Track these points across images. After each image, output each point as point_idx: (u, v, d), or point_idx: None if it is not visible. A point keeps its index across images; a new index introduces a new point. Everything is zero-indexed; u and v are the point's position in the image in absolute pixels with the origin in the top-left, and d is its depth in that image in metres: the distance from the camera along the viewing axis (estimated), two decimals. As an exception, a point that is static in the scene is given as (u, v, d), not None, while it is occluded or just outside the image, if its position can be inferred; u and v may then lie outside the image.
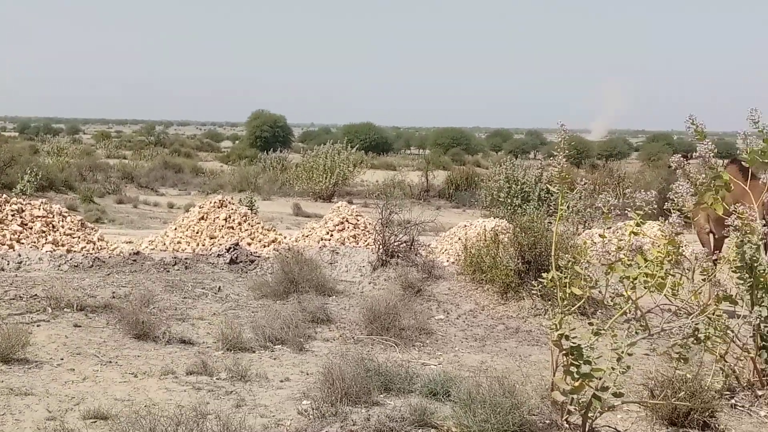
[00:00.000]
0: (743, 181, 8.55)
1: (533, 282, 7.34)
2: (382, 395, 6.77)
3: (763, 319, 7.12)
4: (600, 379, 5.79)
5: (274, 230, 16.04)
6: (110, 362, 7.67)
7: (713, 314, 6.39)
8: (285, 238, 15.62)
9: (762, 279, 7.19)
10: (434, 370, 7.53)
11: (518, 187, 21.89)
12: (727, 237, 9.88)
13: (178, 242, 14.90)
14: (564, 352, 5.80)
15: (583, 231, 17.25)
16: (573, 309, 6.06)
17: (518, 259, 10.66)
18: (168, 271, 11.83)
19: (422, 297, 10.79)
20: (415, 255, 12.19)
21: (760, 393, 7.23)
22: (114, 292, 10.29)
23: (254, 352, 8.20)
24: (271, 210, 26.05)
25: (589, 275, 6.10)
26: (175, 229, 15.38)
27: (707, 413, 6.47)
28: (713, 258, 7.63)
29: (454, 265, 12.34)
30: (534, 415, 6.13)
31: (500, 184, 22.35)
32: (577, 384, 5.79)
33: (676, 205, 6.42)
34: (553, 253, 6.22)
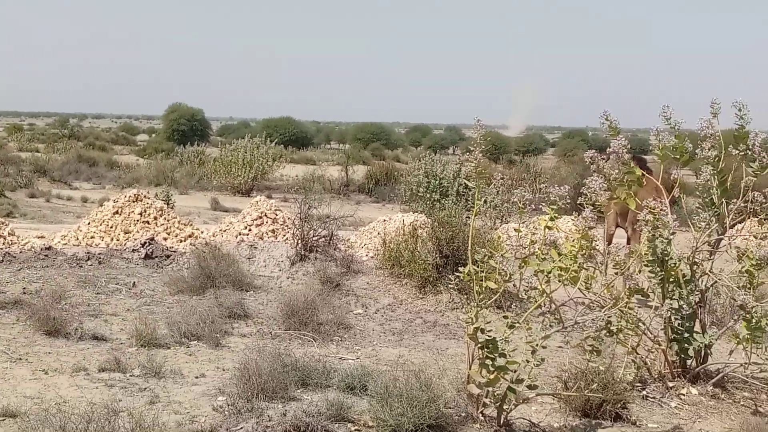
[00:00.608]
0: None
1: (450, 276, 7.37)
2: (299, 390, 6.73)
3: (673, 311, 7.29)
4: (515, 371, 5.86)
5: (191, 225, 15.81)
6: (20, 359, 7.48)
7: (625, 307, 6.52)
8: (202, 232, 15.42)
9: (673, 272, 7.36)
10: (352, 365, 7.52)
11: (437, 182, 21.99)
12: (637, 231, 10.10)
13: (92, 237, 14.59)
14: (480, 345, 5.85)
15: (501, 225, 17.43)
16: (489, 302, 6.11)
17: (436, 254, 10.72)
18: (81, 267, 11.57)
19: (341, 291, 10.77)
20: (334, 250, 12.17)
21: (670, 384, 7.41)
22: (25, 288, 10.03)
23: (169, 348, 8.08)
24: (188, 204, 25.69)
25: (504, 269, 6.17)
26: (89, 223, 15.04)
27: (619, 404, 6.60)
28: (626, 252, 7.76)
29: (373, 260, 12.36)
30: (450, 408, 6.17)
31: (419, 179, 22.42)
32: (492, 377, 5.84)
33: (590, 200, 6.52)
34: (469, 248, 6.26)
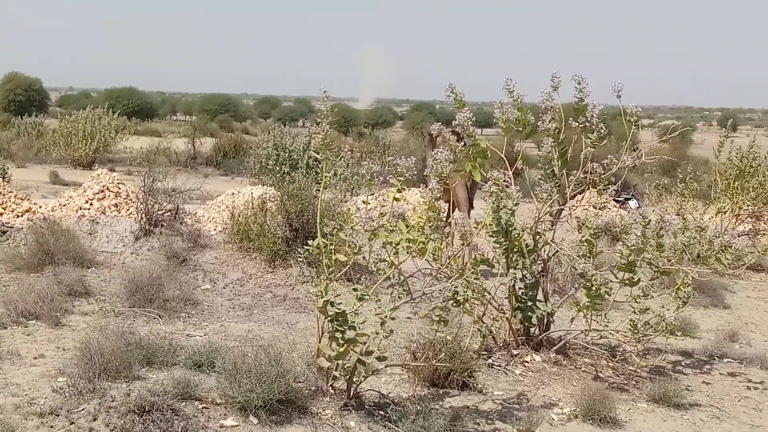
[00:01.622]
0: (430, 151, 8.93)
1: (300, 249, 7.31)
2: (144, 369, 6.53)
3: (517, 280, 7.47)
4: (364, 343, 5.86)
5: (29, 199, 15.10)
6: None
7: (471, 277, 6.62)
8: (41, 207, 14.76)
9: (517, 242, 7.53)
10: (199, 341, 7.36)
11: (286, 154, 21.81)
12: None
13: None
14: (329, 318, 5.82)
15: (350, 198, 17.47)
16: (338, 275, 6.09)
17: (286, 227, 10.63)
18: None
19: (188, 267, 10.54)
20: (181, 224, 11.89)
21: (515, 352, 7.60)
22: None
23: (5, 328, 7.69)
24: (26, 178, 24.56)
25: (353, 242, 6.15)
26: None
27: (466, 373, 6.72)
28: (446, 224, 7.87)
29: (222, 234, 12.14)
30: (300, 382, 6.13)
31: (268, 151, 22.17)
32: (342, 349, 5.83)
33: (436, 172, 6.58)
34: (318, 221, 6.21)
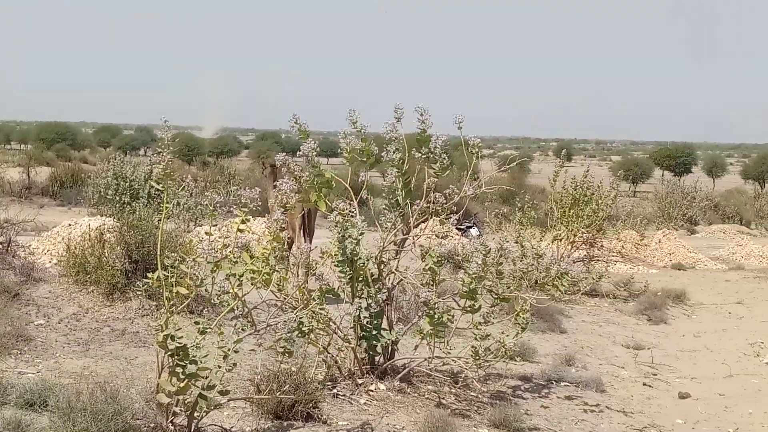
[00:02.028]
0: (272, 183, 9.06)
1: (140, 282, 7.10)
2: (-29, 411, 6.17)
3: (362, 309, 7.49)
4: (206, 378, 5.73)
5: None
6: None
7: (316, 308, 6.59)
8: None
9: (362, 272, 7.56)
10: (32, 379, 7.02)
11: (127, 184, 21.31)
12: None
13: None
14: (170, 352, 5.67)
15: (194, 228, 17.17)
16: (180, 308, 5.94)
17: (125, 259, 10.31)
18: None
19: (20, 302, 10.04)
20: (13, 257, 11.35)
21: (360, 381, 7.60)
22: None
23: None
24: None
25: (196, 273, 6.02)
26: None
27: (311, 404, 6.66)
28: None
29: (57, 267, 11.66)
30: (139, 419, 5.92)
31: (108, 181, 21.60)
32: (182, 384, 5.68)
33: (281, 202, 6.54)
34: (158, 252, 6.05)
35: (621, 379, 9.15)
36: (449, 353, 7.55)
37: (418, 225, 8.20)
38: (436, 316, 7.25)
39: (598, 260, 15.50)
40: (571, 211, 15.24)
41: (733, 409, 8.21)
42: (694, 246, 22.80)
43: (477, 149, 7.95)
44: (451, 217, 7.95)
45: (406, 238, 8.10)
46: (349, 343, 7.66)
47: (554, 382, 8.58)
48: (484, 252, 7.56)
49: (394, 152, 7.81)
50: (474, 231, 21.87)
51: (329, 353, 7.51)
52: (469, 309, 7.48)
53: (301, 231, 10.95)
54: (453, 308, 7.52)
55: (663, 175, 67.89)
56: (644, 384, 9.04)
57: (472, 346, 7.40)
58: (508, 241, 8.34)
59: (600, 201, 15.47)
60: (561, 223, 15.23)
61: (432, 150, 7.72)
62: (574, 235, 15.23)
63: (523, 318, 7.73)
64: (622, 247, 18.03)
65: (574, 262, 14.39)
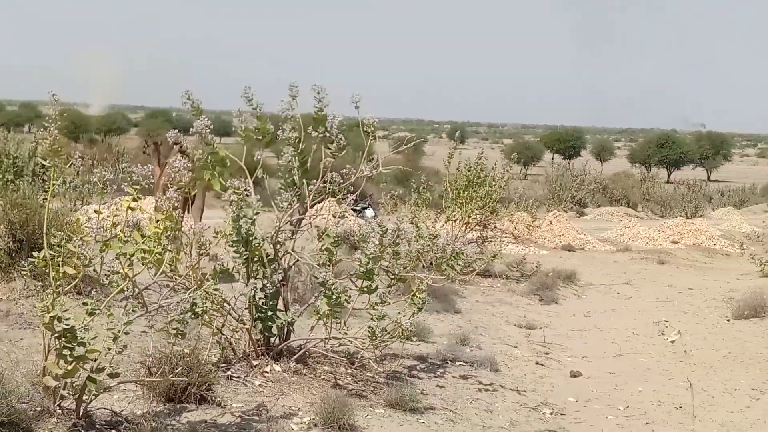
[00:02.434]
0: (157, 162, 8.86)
1: (24, 262, 6.81)
2: None
3: (258, 290, 7.37)
4: (95, 360, 5.54)
5: None
6: None
7: (210, 288, 6.45)
8: None
9: (257, 252, 7.43)
10: None
11: (10, 161, 20.52)
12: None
13: None
14: (56, 334, 5.45)
15: (82, 207, 16.67)
16: (67, 289, 5.73)
17: (9, 238, 9.92)
18: None
19: None
20: None
21: (254, 363, 7.48)
22: None
23: None
24: None
25: (84, 253, 5.80)
26: None
27: (204, 386, 6.52)
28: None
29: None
30: (24, 403, 5.69)
31: (-9, 158, 20.77)
32: (70, 367, 5.47)
33: (174, 181, 6.36)
34: (44, 231, 5.81)
35: (514, 358, 9.27)
36: (346, 334, 7.50)
37: (314, 205, 8.11)
38: (333, 297, 7.19)
39: (491, 241, 15.67)
40: (466, 192, 15.35)
41: (623, 388, 8.40)
42: (583, 228, 23.35)
43: (372, 128, 7.89)
44: (347, 197, 7.89)
45: (303, 218, 8.00)
46: (244, 324, 7.53)
47: (449, 362, 8.63)
48: (381, 232, 7.53)
49: (290, 131, 7.69)
50: (369, 212, 21.92)
51: (223, 335, 7.37)
52: (365, 289, 7.45)
53: (189, 209, 10.74)
54: (350, 289, 7.47)
55: (553, 158, 69.45)
56: (537, 363, 9.18)
57: (369, 327, 7.36)
58: (404, 222, 8.35)
59: (494, 183, 15.62)
60: (455, 205, 15.32)
61: (329, 129, 7.63)
62: (468, 217, 15.35)
63: (420, 298, 7.74)
64: (515, 228, 18.29)
65: (468, 243, 14.51)
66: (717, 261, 20.63)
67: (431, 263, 8.81)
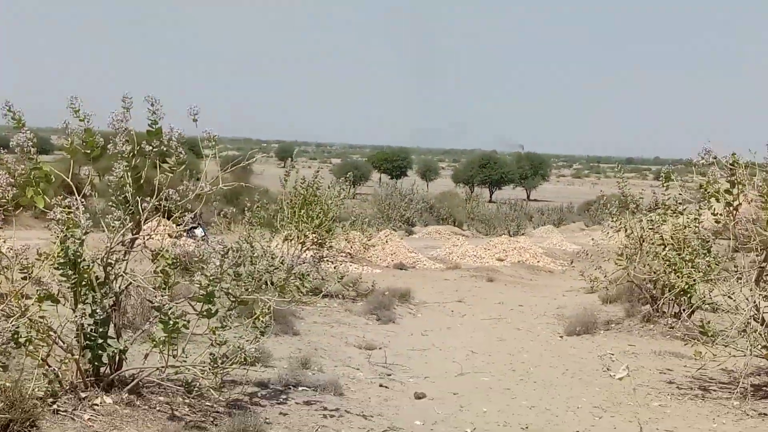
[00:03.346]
0: None
1: None
2: None
3: (86, 316, 6.81)
4: None
5: None
6: None
7: (36, 315, 5.89)
8: None
9: (86, 275, 6.88)
10: None
11: None
12: None
13: None
14: None
15: None
16: None
17: None
18: None
19: None
20: None
21: (83, 395, 6.89)
22: None
23: None
24: None
25: None
26: None
27: (28, 423, 5.95)
28: None
29: None
30: None
31: None
32: None
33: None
34: None
35: (357, 380, 9.04)
36: (185, 361, 7.04)
37: (146, 224, 7.62)
38: (171, 322, 6.73)
39: (326, 260, 15.45)
40: (302, 211, 15.06)
41: (468, 408, 8.30)
42: (413, 246, 23.52)
43: (214, 142, 7.50)
44: (185, 216, 7.46)
45: (136, 238, 7.50)
46: (72, 354, 6.94)
47: (292, 387, 8.31)
48: (222, 252, 7.14)
49: (123, 144, 7.20)
50: (199, 231, 21.23)
51: (49, 366, 6.76)
52: (205, 314, 7.02)
53: None
54: (187, 313, 7.03)
55: (380, 178, 70.17)
56: (380, 385, 8.97)
57: (211, 353, 6.94)
58: (244, 242, 8.00)
59: (330, 202, 15.41)
60: (292, 224, 15.00)
61: (166, 142, 7.18)
62: (305, 236, 15.06)
63: (263, 321, 7.39)
64: (351, 247, 18.14)
65: (303, 263, 14.25)
66: (541, 278, 21.18)
67: (272, 284, 8.47)
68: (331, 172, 52.30)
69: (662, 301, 12.65)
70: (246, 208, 15.15)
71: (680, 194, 12.66)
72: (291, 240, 14.97)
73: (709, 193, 8.74)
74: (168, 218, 7.72)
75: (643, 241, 13.16)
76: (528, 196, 69.92)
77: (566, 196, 61.26)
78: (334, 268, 14.84)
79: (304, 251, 15.25)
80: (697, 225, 12.04)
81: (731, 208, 8.73)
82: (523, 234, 33.87)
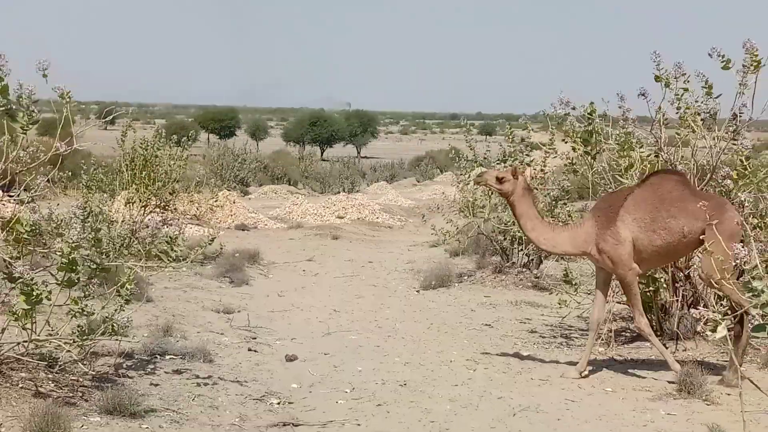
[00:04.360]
0: None
1: None
2: None
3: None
4: None
5: None
6: None
7: None
8: None
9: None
10: None
11: None
12: None
13: None
14: None
15: None
16: None
17: None
18: None
19: None
20: None
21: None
22: None
23: None
24: None
25: None
26: None
27: None
28: None
29: None
30: None
31: None
32: None
33: None
34: None
35: (224, 346, 8.73)
36: (51, 334, 6.56)
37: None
38: (33, 293, 6.23)
39: (170, 223, 14.89)
40: (143, 173, 14.45)
41: (342, 368, 8.15)
42: (251, 206, 23.14)
43: (69, 98, 6.98)
44: (39, 179, 6.93)
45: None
46: None
47: (159, 356, 7.92)
48: (82, 217, 6.68)
49: (-34, 103, 6.58)
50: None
51: None
52: (67, 283, 6.55)
53: None
54: (48, 283, 6.54)
55: (209, 138, 68.79)
56: (249, 350, 8.70)
57: (78, 325, 6.50)
58: (100, 207, 7.53)
59: (173, 162, 14.87)
60: (133, 186, 14.38)
61: (20, 99, 6.61)
62: (148, 199, 14.47)
63: (128, 289, 6.98)
64: (198, 209, 17.62)
65: (146, 227, 13.69)
66: (384, 234, 21.31)
67: (126, 249, 8.04)
68: (157, 133, 50.64)
69: (516, 252, 12.94)
70: (83, 171, 14.44)
71: (510, 146, 12.86)
72: (133, 203, 14.37)
73: (571, 142, 8.89)
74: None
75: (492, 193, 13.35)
76: (359, 154, 70.22)
77: (396, 153, 61.96)
78: (180, 230, 14.34)
79: (148, 214, 14.66)
80: (542, 176, 12.31)
81: (589, 157, 8.90)
82: (358, 191, 33.97)
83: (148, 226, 13.96)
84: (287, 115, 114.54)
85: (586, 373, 7.82)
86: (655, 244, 7.51)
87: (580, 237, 7.81)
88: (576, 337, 9.42)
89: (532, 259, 13.09)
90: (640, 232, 7.51)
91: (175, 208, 15.24)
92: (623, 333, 9.28)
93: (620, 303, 9.06)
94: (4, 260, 6.58)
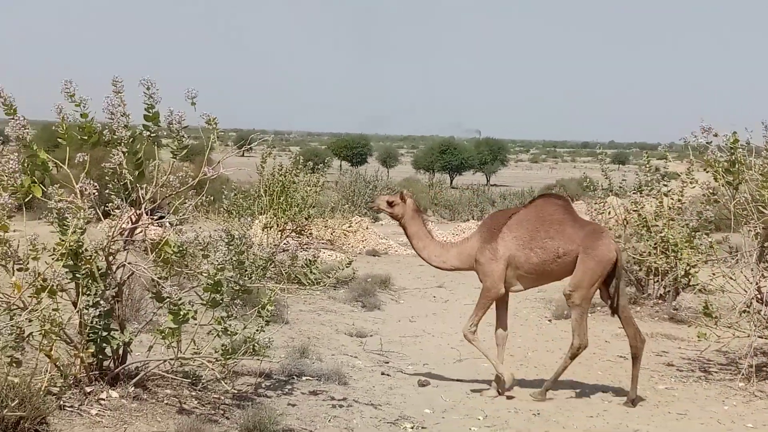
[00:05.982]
0: None
1: None
2: None
3: (89, 309, 6.57)
4: None
5: None
6: None
7: (50, 309, 5.65)
8: None
9: (88, 265, 6.64)
10: None
11: None
12: None
13: None
14: None
15: None
16: None
17: None
18: None
19: None
20: None
21: (88, 390, 6.66)
22: None
23: None
24: None
25: None
26: None
27: (38, 420, 5.73)
28: None
29: None
30: None
31: None
32: None
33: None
34: None
35: (358, 369, 8.88)
36: (196, 353, 6.84)
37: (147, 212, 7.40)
38: (181, 312, 6.51)
39: (308, 247, 15.28)
40: (281, 198, 14.87)
41: (475, 395, 8.19)
42: (382, 233, 23.36)
43: (215, 124, 7.28)
44: (186, 203, 7.24)
45: (137, 227, 7.26)
46: (77, 348, 6.69)
47: (296, 377, 8.13)
48: (227, 240, 6.95)
49: (122, 129, 6.96)
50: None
51: (50, 358, 6.51)
52: (212, 303, 6.81)
53: None
54: (194, 303, 6.81)
55: (341, 165, 69.90)
56: (382, 373, 8.82)
57: (222, 344, 6.75)
58: (243, 230, 7.80)
59: (309, 188, 15.24)
60: (270, 211, 14.81)
61: (170, 125, 6.96)
62: (285, 223, 14.87)
63: (268, 311, 7.21)
64: (332, 234, 17.97)
65: (284, 251, 14.05)
66: (514, 262, 21.12)
67: (263, 272, 8.29)
68: (291, 159, 51.80)
69: (651, 283, 12.69)
70: (223, 196, 14.94)
71: (646, 176, 12.71)
72: (270, 228, 14.79)
73: (713, 171, 8.72)
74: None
75: (627, 223, 13.17)
76: (488, 181, 70.03)
77: (526, 181, 61.52)
78: (315, 255, 14.66)
79: (284, 239, 15.06)
80: (680, 206, 12.08)
81: (731, 187, 8.70)
82: (488, 219, 33.78)
83: (286, 250, 14.42)
84: (417, 142, 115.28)
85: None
86: (531, 262, 8.07)
87: (466, 252, 8.41)
88: (715, 371, 9.17)
89: (669, 291, 12.78)
90: (517, 249, 8.09)
91: (310, 233, 15.58)
92: (764, 368, 8.96)
93: (761, 338, 8.77)
94: (153, 280, 6.89)
